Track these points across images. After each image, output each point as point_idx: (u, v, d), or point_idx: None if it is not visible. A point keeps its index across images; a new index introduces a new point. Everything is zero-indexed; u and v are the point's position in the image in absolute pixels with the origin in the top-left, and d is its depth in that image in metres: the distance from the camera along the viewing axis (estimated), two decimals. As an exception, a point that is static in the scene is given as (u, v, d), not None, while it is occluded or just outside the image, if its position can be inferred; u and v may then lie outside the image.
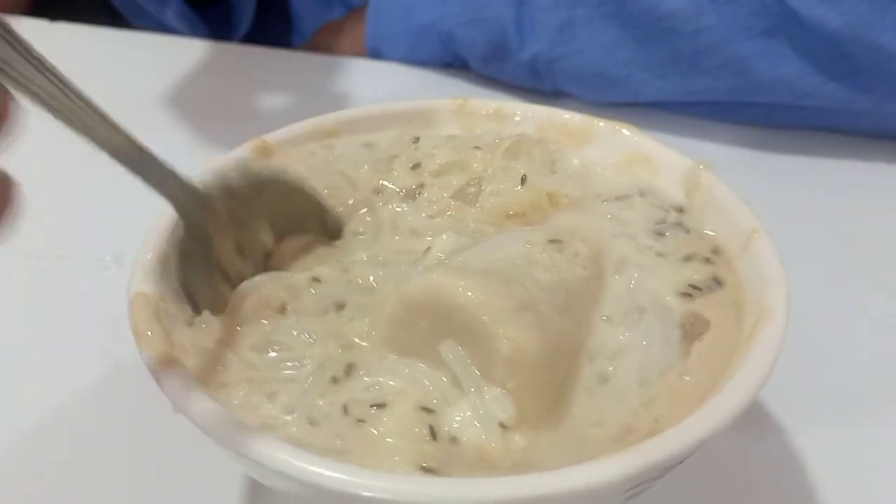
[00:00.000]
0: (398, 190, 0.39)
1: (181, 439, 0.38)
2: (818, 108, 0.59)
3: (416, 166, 0.38)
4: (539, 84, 0.65)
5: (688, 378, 0.30)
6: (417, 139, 0.40)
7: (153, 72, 0.71)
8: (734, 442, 0.40)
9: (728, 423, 0.27)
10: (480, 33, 0.66)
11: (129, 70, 0.73)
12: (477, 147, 0.39)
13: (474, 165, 0.38)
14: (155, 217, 0.34)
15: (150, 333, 0.30)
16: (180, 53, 0.73)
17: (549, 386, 0.30)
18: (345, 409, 0.29)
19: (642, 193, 0.38)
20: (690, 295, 0.33)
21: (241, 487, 0.38)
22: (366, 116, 0.42)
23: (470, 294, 0.28)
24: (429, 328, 0.30)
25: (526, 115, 0.42)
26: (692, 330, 0.32)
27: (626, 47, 0.61)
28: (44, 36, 0.36)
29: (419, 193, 0.38)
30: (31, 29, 0.28)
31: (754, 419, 0.41)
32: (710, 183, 0.37)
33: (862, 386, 0.43)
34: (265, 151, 0.39)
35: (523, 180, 0.37)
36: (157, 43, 0.76)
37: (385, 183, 0.39)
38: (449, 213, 0.37)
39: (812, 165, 0.60)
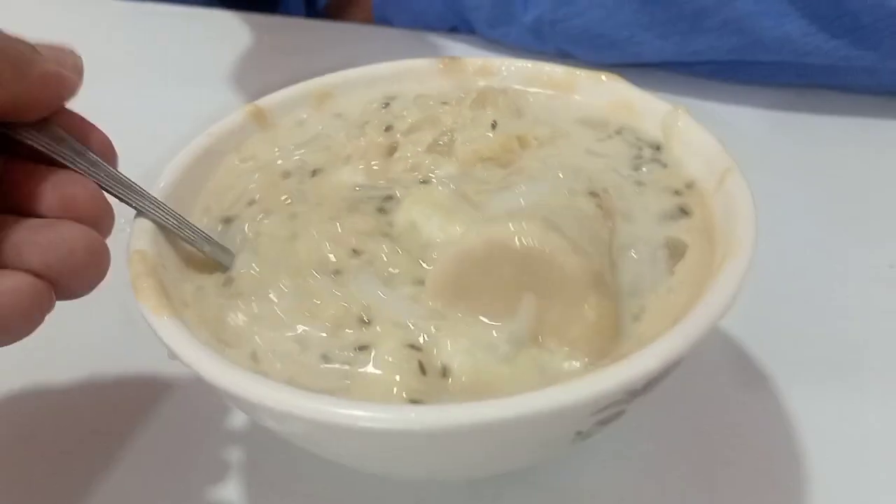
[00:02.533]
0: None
1: (185, 386, 0.42)
2: (821, 66, 0.59)
3: (388, 128, 0.40)
4: (542, 46, 0.66)
5: (673, 295, 0.31)
6: (387, 104, 0.42)
7: (165, 40, 0.74)
8: (724, 391, 0.41)
9: (686, 351, 0.28)
10: None
11: (144, 38, 0.76)
12: (444, 103, 0.40)
13: (444, 119, 0.39)
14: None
15: (146, 286, 0.31)
16: (188, 21, 0.76)
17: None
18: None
19: (619, 131, 0.40)
20: (667, 219, 0.35)
21: (243, 433, 0.40)
22: (356, 77, 0.44)
23: (571, 257, 0.29)
24: (508, 276, 0.30)
25: (510, 69, 0.43)
26: (675, 251, 0.33)
27: (627, 8, 0.61)
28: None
29: (394, 153, 0.39)
30: None
31: (744, 370, 0.42)
32: (687, 125, 0.38)
33: (852, 338, 0.43)
34: (259, 116, 0.41)
35: (494, 125, 0.38)
36: (170, 14, 0.79)
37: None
38: (426, 164, 0.38)
39: (810, 121, 0.60)
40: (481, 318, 0.31)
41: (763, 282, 0.45)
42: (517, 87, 0.43)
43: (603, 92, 0.41)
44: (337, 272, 0.33)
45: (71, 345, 0.44)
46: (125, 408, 0.41)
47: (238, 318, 0.32)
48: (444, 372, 0.29)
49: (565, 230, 0.30)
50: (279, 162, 0.40)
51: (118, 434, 0.40)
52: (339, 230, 0.34)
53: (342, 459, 0.32)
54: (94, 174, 0.31)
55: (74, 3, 0.82)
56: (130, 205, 0.33)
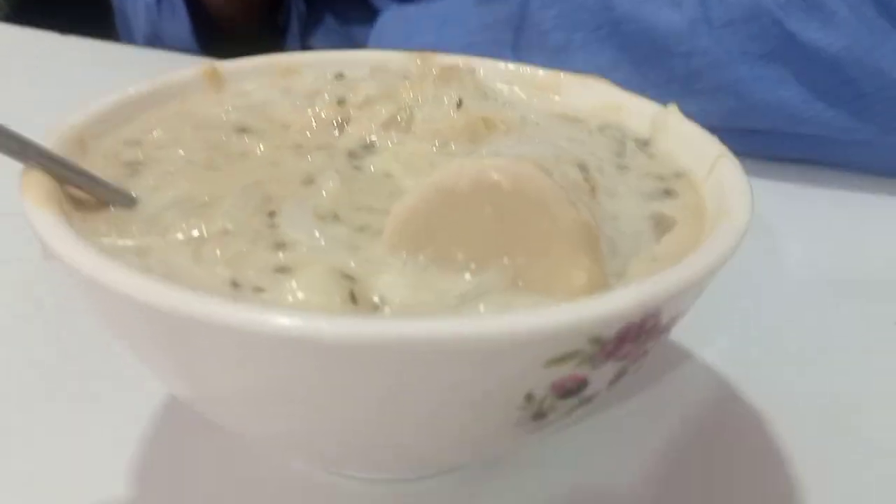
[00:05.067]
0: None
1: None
2: (818, 138, 0.56)
3: (340, 101, 0.36)
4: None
5: (657, 264, 0.27)
6: (341, 75, 0.39)
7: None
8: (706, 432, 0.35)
9: (662, 299, 0.23)
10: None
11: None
12: (405, 77, 0.37)
13: (403, 95, 0.36)
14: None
15: (35, 181, 0.27)
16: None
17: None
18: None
19: (602, 128, 0.36)
20: (653, 198, 0.31)
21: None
22: (328, 59, 0.41)
23: (567, 208, 0.25)
24: (489, 222, 0.25)
25: (489, 68, 0.40)
26: (661, 224, 0.29)
27: (621, 69, 0.60)
28: None
29: (346, 125, 0.35)
30: None
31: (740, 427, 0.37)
32: (678, 121, 0.35)
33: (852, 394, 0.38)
34: (213, 77, 0.38)
35: (459, 104, 0.35)
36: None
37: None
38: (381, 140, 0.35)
39: (808, 192, 0.57)
40: (443, 266, 0.25)
41: (766, 335, 0.41)
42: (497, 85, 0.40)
43: (587, 94, 0.39)
44: (272, 213, 0.28)
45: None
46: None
47: (131, 243, 0.27)
48: (381, 303, 0.24)
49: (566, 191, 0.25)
50: (213, 119, 0.36)
51: None
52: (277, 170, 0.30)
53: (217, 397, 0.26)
54: None
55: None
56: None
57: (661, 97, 0.59)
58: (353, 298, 0.24)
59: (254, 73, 0.39)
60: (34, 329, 0.39)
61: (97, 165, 0.31)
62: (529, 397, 0.24)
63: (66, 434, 0.34)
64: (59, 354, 0.38)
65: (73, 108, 0.32)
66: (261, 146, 0.34)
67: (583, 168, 0.31)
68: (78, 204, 0.28)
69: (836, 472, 0.33)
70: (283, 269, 0.25)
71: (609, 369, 0.24)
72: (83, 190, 0.28)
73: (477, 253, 0.26)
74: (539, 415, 0.25)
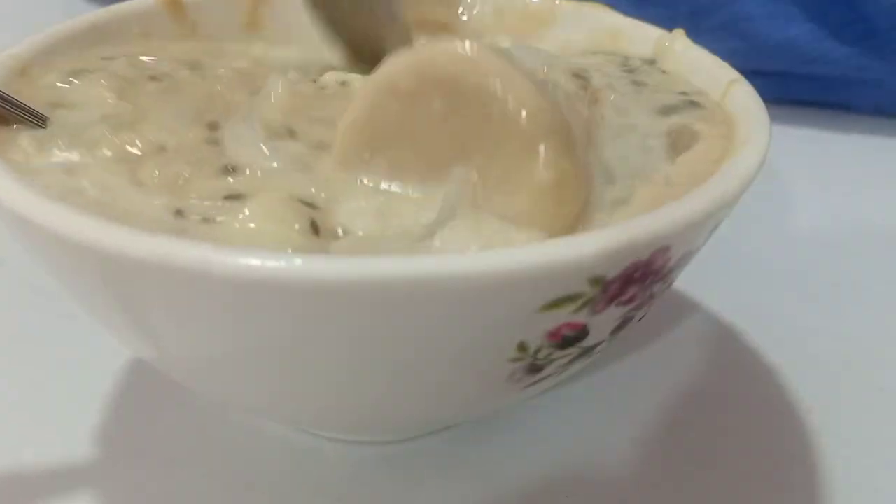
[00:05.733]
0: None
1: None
2: (828, 79, 0.53)
3: None
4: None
5: (671, 188, 0.24)
6: None
7: None
8: (721, 387, 0.33)
9: (670, 232, 0.20)
10: None
11: None
12: None
13: None
14: None
15: None
16: None
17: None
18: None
19: (604, 53, 0.33)
20: (668, 113, 0.27)
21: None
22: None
23: (531, 97, 0.21)
24: (440, 118, 0.22)
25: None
26: (678, 140, 0.26)
27: (621, 7, 0.56)
28: None
29: None
30: None
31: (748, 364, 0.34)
32: (685, 46, 0.32)
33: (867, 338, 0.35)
34: (175, 6, 0.34)
35: None
36: None
37: None
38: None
39: (820, 137, 0.54)
40: (401, 181, 0.22)
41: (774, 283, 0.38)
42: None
43: (584, 23, 0.35)
44: (212, 125, 0.25)
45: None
46: None
47: (55, 160, 0.23)
48: (344, 234, 0.21)
49: (528, 74, 0.22)
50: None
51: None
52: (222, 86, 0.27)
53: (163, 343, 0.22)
54: None
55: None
56: None
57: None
58: (315, 229, 0.21)
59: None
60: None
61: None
62: (523, 346, 0.21)
63: (29, 396, 0.31)
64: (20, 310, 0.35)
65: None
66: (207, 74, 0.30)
67: (580, 77, 0.28)
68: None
69: (848, 422, 0.31)
70: (234, 196, 0.22)
71: (611, 315, 0.21)
72: None
73: (433, 161, 0.22)
74: (534, 367, 0.22)
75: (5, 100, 0.25)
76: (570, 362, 0.23)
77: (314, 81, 0.29)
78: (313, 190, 0.22)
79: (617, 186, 0.24)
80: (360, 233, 0.21)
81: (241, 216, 0.20)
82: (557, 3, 0.36)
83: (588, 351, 0.23)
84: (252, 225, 0.20)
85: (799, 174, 0.49)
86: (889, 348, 0.35)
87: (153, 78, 0.29)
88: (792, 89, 0.55)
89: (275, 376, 0.21)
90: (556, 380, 0.24)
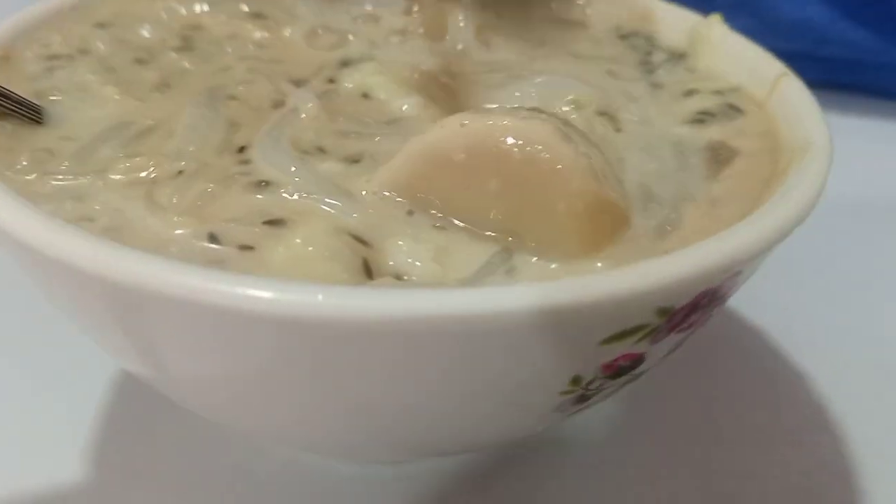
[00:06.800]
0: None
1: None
2: (843, 61, 0.51)
3: None
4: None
5: (717, 207, 0.22)
6: None
7: None
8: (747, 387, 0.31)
9: (732, 265, 0.18)
10: None
11: None
12: None
13: None
14: None
15: None
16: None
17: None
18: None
19: (624, 35, 0.31)
20: (703, 121, 0.25)
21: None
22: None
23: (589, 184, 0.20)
24: (490, 185, 0.20)
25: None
26: (716, 156, 0.24)
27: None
28: None
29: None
30: None
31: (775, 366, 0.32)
32: (723, 34, 0.30)
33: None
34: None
35: None
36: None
37: None
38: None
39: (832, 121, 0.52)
40: (449, 228, 0.20)
41: (793, 276, 0.36)
42: None
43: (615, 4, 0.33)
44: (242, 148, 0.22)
45: None
46: None
47: (64, 183, 0.21)
48: (401, 275, 0.19)
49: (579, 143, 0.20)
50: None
51: None
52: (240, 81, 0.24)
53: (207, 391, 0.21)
54: None
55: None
56: None
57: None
58: (367, 269, 0.19)
59: None
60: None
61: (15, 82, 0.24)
62: (576, 380, 0.19)
63: (20, 411, 0.28)
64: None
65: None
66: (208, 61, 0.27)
67: (605, 112, 0.26)
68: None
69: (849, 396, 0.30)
70: (274, 222, 0.19)
71: (670, 342, 0.20)
72: None
73: (479, 212, 0.20)
74: (583, 398, 0.20)
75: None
76: (617, 390, 0.21)
77: (331, 82, 0.26)
78: (355, 215, 0.20)
79: (658, 208, 0.22)
80: (415, 277, 0.19)
81: (284, 246, 0.18)
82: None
83: (637, 377, 0.21)
84: (298, 255, 0.18)
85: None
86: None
87: (141, 61, 0.26)
88: (806, 70, 0.53)
89: (311, 407, 0.19)
90: (596, 405, 0.22)
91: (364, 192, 0.21)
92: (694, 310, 0.19)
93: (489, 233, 0.20)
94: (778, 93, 0.26)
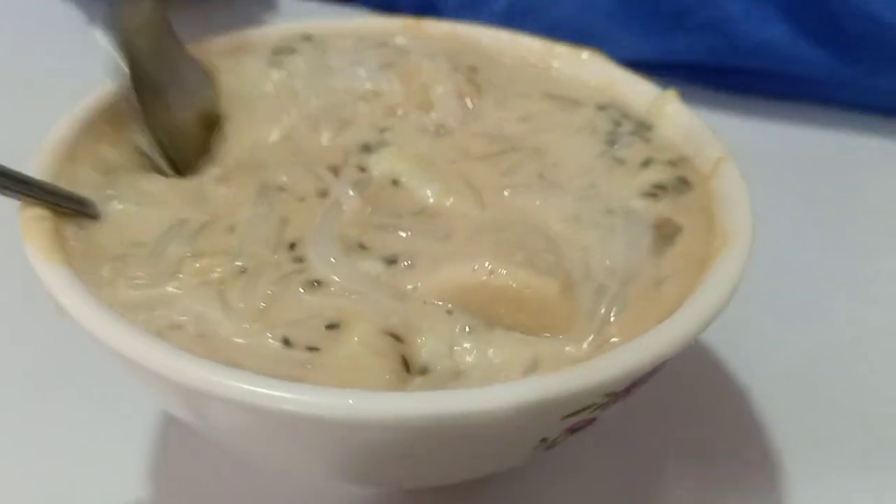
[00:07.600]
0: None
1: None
2: (804, 78, 0.56)
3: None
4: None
5: (661, 288, 0.27)
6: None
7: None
8: (691, 402, 0.37)
9: (660, 359, 0.23)
10: None
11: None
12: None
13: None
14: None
15: (36, 227, 0.25)
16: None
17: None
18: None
19: (601, 107, 0.36)
20: (656, 195, 0.30)
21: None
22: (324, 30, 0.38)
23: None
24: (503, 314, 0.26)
25: (481, 37, 0.39)
26: (663, 232, 0.29)
27: (607, 3, 0.58)
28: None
29: None
30: None
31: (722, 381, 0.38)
32: (677, 110, 0.34)
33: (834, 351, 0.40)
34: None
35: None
36: None
37: None
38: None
39: (792, 134, 0.57)
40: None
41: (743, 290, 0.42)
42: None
43: (581, 70, 0.38)
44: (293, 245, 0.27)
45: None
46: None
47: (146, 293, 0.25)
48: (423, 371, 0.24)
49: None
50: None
51: None
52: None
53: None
54: None
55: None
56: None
57: (647, 33, 0.57)
58: (406, 365, 0.24)
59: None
60: (39, 328, 0.37)
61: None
62: (544, 440, 0.25)
63: (74, 442, 0.33)
64: (63, 356, 0.36)
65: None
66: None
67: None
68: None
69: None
70: (332, 325, 0.25)
71: (616, 406, 0.25)
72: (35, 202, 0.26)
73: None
74: (551, 445, 0.26)
75: (52, 192, 0.26)
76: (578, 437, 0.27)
77: (362, 170, 0.31)
78: (394, 318, 0.25)
79: (606, 287, 0.27)
80: (439, 367, 0.24)
81: (345, 346, 0.24)
82: (555, 48, 0.38)
83: (593, 427, 0.27)
84: (355, 354, 0.24)
85: (769, 168, 0.52)
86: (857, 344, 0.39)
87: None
88: (769, 86, 0.58)
89: (338, 466, 0.25)
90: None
91: (404, 294, 0.26)
92: (633, 386, 0.24)
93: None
94: (717, 174, 0.31)
